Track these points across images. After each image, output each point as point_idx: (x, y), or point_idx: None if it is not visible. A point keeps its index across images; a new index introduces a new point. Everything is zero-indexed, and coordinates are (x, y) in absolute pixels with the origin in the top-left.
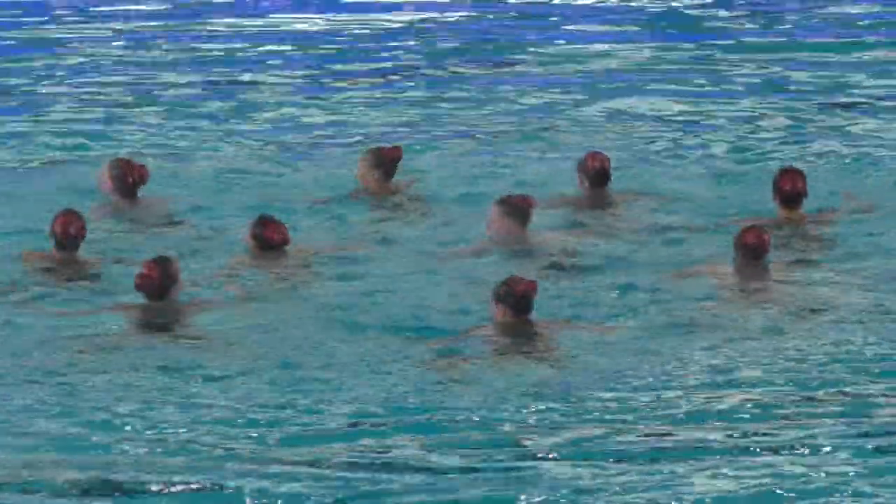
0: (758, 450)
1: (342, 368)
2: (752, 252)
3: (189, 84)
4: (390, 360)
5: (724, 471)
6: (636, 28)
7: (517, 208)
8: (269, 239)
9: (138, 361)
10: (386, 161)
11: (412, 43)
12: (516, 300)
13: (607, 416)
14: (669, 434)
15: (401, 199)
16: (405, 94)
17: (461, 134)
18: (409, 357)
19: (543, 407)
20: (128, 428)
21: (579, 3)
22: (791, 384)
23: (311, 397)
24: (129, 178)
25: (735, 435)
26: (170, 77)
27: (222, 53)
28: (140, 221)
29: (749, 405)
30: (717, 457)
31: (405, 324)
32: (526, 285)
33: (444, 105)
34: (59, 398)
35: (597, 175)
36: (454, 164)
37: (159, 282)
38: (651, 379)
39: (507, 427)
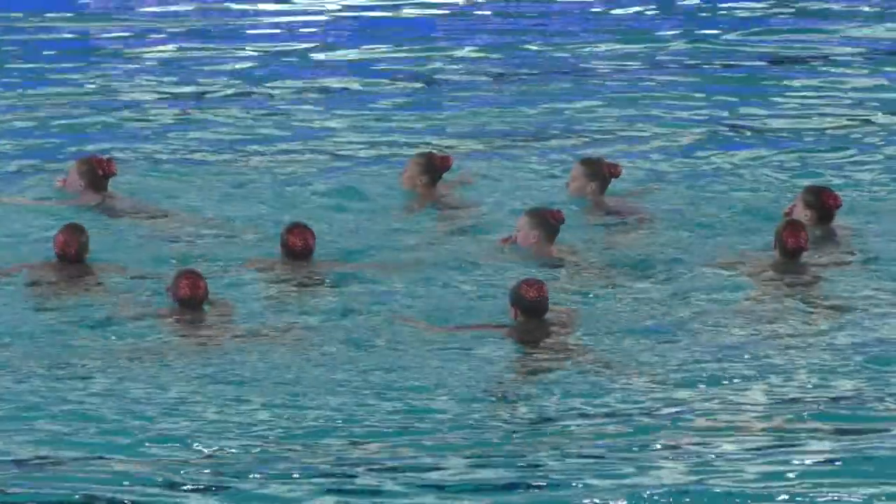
0: (789, 445)
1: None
2: (791, 252)
3: (220, 89)
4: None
5: (753, 462)
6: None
7: (548, 222)
8: (290, 245)
9: (176, 367)
10: (436, 168)
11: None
12: (528, 304)
13: (626, 410)
14: (691, 426)
15: (444, 203)
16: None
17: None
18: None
19: (557, 402)
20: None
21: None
22: (827, 382)
23: (324, 406)
24: (99, 171)
25: (764, 428)
26: (192, 84)
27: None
28: (117, 214)
29: (779, 400)
30: (745, 449)
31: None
32: (537, 291)
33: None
34: (112, 400)
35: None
36: (498, 170)
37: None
38: (680, 373)
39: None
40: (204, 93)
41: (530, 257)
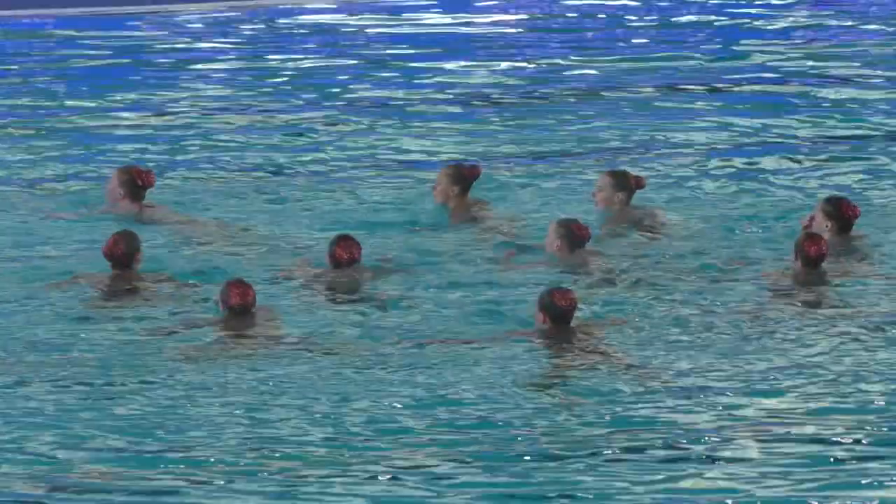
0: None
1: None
2: (812, 261)
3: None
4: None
5: (788, 470)
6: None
7: (573, 234)
8: (337, 256)
9: (231, 369)
10: (466, 178)
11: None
12: (559, 312)
13: (647, 417)
14: (712, 434)
15: (476, 214)
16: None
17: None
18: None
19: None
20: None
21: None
22: (860, 389)
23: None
24: (138, 181)
25: (782, 435)
26: (245, 95)
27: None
28: (155, 224)
29: (812, 408)
30: (766, 455)
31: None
32: (570, 301)
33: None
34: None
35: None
36: (531, 183)
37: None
38: (702, 381)
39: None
40: (247, 105)
41: (555, 264)
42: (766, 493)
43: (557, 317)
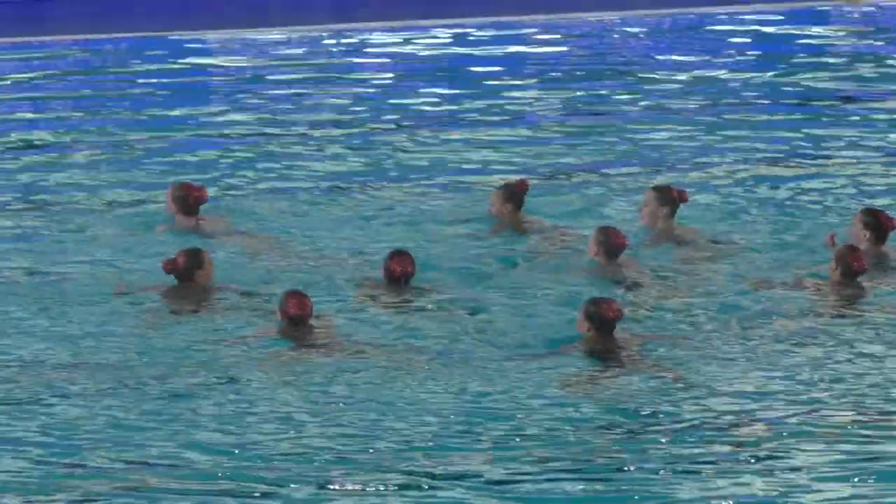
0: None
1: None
2: (854, 274)
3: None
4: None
5: (832, 478)
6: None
7: (610, 241)
8: (391, 270)
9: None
10: (516, 193)
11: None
12: (604, 322)
13: (696, 424)
14: (762, 444)
15: (532, 227)
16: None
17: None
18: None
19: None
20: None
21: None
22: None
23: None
24: (190, 198)
25: (832, 445)
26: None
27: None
28: (210, 237)
29: (858, 417)
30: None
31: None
32: (617, 313)
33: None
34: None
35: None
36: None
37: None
38: (744, 390)
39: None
40: (309, 125)
41: (596, 272)
42: (819, 499)
43: (603, 327)
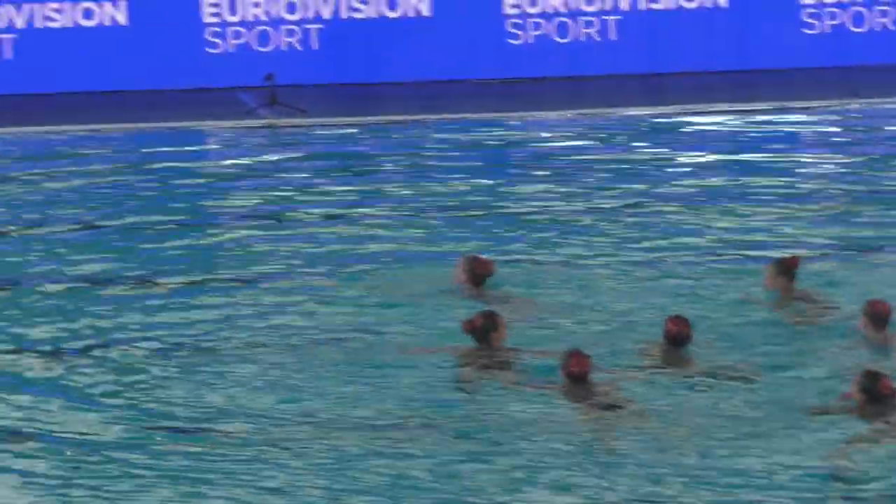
0: None
1: None
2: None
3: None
4: None
5: None
6: None
7: (874, 311)
8: (668, 331)
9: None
10: (789, 269)
11: None
12: (875, 392)
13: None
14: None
15: (799, 298)
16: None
17: None
18: None
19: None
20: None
21: None
22: None
23: None
24: (476, 270)
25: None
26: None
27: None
28: (498, 303)
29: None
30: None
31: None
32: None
33: None
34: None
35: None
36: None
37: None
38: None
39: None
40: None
41: (862, 342)
42: None
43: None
